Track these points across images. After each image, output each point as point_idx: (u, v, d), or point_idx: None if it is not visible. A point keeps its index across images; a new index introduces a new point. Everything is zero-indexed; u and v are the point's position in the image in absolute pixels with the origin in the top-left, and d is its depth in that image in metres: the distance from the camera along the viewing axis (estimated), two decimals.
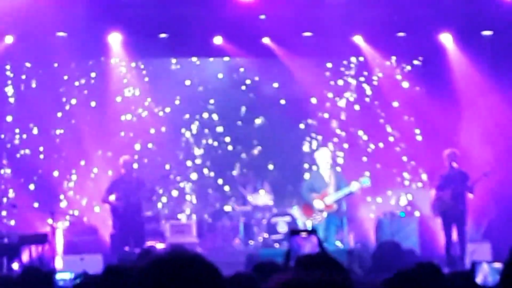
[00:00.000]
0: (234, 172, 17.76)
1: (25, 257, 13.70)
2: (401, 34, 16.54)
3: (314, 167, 14.62)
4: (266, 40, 16.59)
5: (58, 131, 17.05)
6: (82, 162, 17.05)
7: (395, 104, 18.02)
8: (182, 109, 18.15)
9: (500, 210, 15.73)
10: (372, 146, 18.10)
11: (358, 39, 16.76)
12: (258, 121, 18.35)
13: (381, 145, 18.08)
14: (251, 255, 13.76)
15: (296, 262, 3.97)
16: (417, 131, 18.03)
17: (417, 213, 16.90)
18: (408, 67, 18.06)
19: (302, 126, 18.32)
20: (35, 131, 16.91)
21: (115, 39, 16.10)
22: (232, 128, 18.38)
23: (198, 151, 18.22)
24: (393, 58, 17.92)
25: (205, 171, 18.18)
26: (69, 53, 15.82)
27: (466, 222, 14.60)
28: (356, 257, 13.77)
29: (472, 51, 16.46)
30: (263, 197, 16.62)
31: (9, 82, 16.91)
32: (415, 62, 18.00)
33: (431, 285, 4.45)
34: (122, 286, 4.44)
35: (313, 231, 5.30)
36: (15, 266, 13.30)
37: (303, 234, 5.45)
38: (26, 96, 16.76)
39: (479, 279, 5.33)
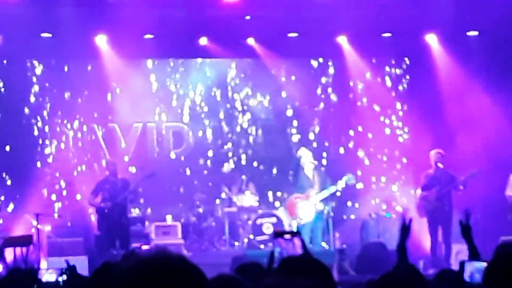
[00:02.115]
0: (220, 173, 17.72)
1: (9, 259, 13.63)
2: (386, 34, 16.57)
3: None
4: (251, 41, 16.59)
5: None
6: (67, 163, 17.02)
7: (380, 104, 18.04)
8: (170, 111, 18.05)
9: (486, 210, 15.75)
10: (355, 147, 18.09)
11: (342, 40, 16.77)
12: (245, 124, 18.31)
13: (364, 146, 18.07)
14: (237, 257, 13.74)
15: (280, 264, 3.97)
16: (402, 131, 18.06)
17: (401, 212, 16.91)
18: (394, 68, 18.10)
19: (288, 127, 18.28)
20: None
21: (102, 41, 16.06)
22: (219, 130, 18.29)
23: (182, 152, 18.14)
24: (378, 59, 17.93)
25: (190, 172, 18.10)
26: (55, 53, 15.82)
27: (452, 223, 14.61)
28: (347, 256, 13.81)
29: (457, 51, 16.51)
30: (248, 198, 16.59)
31: None
32: (401, 62, 18.06)
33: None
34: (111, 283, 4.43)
35: (297, 233, 5.30)
36: None
37: (287, 236, 5.44)
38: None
39: (466, 276, 5.35)
